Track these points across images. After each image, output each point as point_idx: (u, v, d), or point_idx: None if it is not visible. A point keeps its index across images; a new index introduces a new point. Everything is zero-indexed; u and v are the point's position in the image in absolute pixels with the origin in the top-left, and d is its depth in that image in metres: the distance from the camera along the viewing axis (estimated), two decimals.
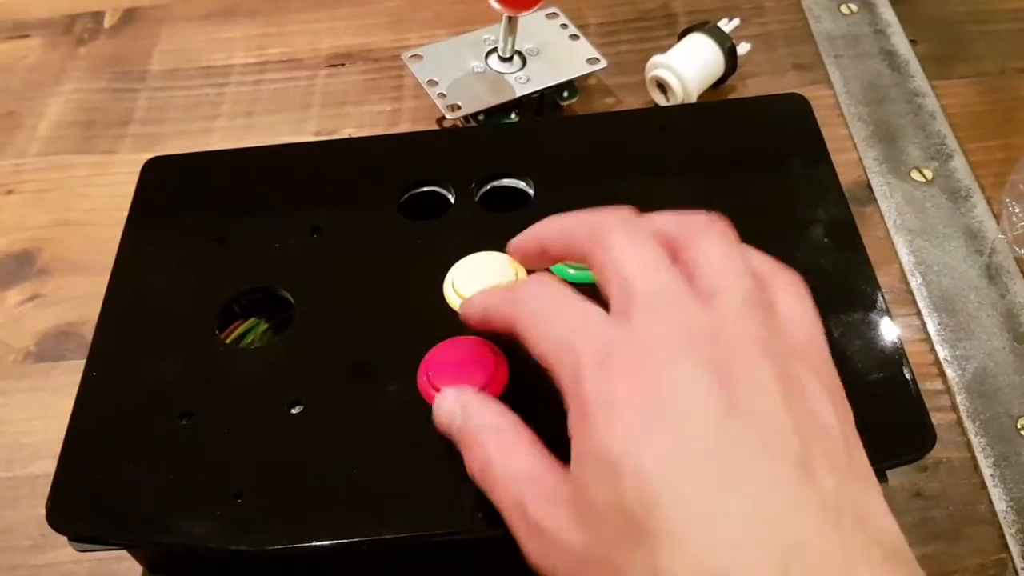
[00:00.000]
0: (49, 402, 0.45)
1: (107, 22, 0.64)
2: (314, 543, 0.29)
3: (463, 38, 0.55)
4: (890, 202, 0.50)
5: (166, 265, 0.38)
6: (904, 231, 0.48)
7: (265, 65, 0.60)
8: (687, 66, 0.53)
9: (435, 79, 0.52)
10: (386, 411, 0.32)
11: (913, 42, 0.58)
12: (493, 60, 0.53)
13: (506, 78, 0.52)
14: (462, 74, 0.52)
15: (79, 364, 0.35)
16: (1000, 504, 0.39)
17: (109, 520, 0.30)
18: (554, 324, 0.27)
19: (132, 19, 0.64)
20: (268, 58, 0.61)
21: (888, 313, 0.34)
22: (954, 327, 0.44)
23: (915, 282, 0.46)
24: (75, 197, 0.54)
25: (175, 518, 0.30)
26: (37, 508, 0.35)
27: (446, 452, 0.29)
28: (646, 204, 0.30)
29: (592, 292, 0.28)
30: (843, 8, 0.60)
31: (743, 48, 0.54)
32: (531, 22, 0.54)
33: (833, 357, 0.28)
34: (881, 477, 0.32)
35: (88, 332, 0.44)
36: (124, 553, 0.33)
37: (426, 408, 0.31)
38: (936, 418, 0.35)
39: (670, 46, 0.55)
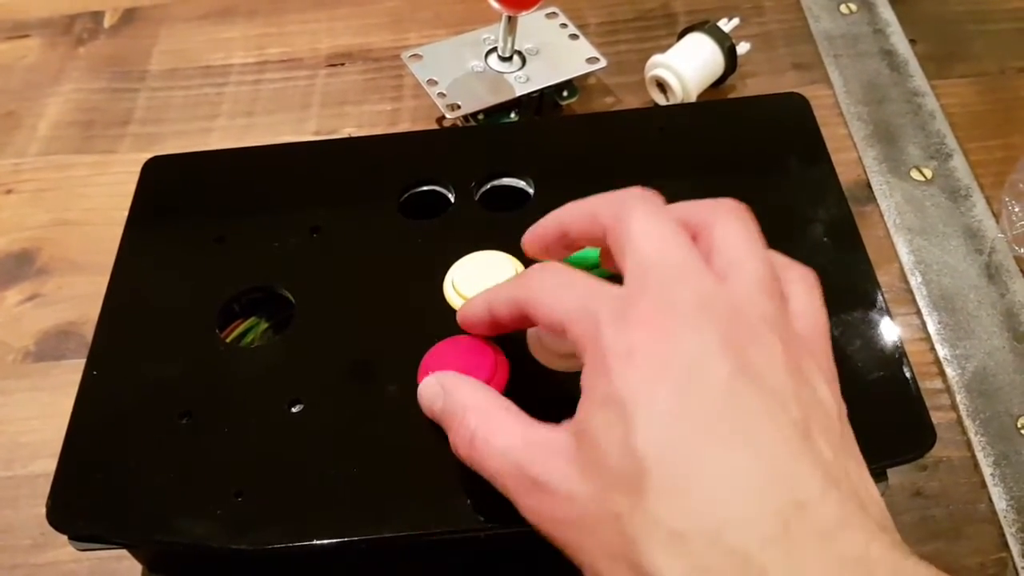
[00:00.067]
0: (49, 401, 0.45)
1: (106, 22, 0.64)
2: (314, 542, 0.29)
3: (463, 38, 0.55)
4: (890, 201, 0.50)
5: (166, 265, 0.38)
6: (904, 230, 0.48)
7: (264, 65, 0.60)
8: (687, 66, 0.53)
9: (435, 79, 0.52)
10: (386, 410, 0.32)
11: (912, 42, 0.58)
12: (493, 60, 0.53)
13: (506, 78, 0.52)
14: (462, 74, 0.52)
15: (79, 364, 0.34)
16: (1000, 503, 0.39)
17: (109, 519, 0.30)
18: (569, 292, 0.27)
19: (131, 19, 0.64)
20: (267, 58, 0.61)
21: (888, 312, 0.34)
22: (954, 326, 0.45)
23: (915, 281, 0.46)
24: (74, 197, 0.54)
25: (175, 517, 0.30)
26: (37, 507, 0.35)
27: (446, 451, 0.29)
28: None
29: None
30: (842, 8, 0.60)
31: (743, 48, 0.54)
32: (531, 22, 0.54)
33: (834, 356, 0.28)
34: (881, 476, 0.32)
35: (88, 332, 0.44)
36: (124, 552, 0.33)
37: None
38: (936, 417, 0.35)
39: (670, 46, 0.55)
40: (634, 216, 0.28)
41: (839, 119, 0.54)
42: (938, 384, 0.43)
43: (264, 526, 0.29)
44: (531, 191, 0.39)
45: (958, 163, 0.51)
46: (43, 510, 0.31)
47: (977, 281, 0.46)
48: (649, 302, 0.26)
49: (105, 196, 0.54)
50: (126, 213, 0.39)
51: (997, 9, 0.60)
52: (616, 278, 0.27)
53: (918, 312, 0.45)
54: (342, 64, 0.60)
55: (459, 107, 0.50)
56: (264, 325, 0.37)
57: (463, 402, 0.29)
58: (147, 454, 0.32)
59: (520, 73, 0.52)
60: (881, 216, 0.49)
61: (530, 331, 0.33)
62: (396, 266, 0.36)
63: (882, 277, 0.38)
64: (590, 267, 0.34)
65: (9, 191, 0.55)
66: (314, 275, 0.36)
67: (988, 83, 0.56)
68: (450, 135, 0.49)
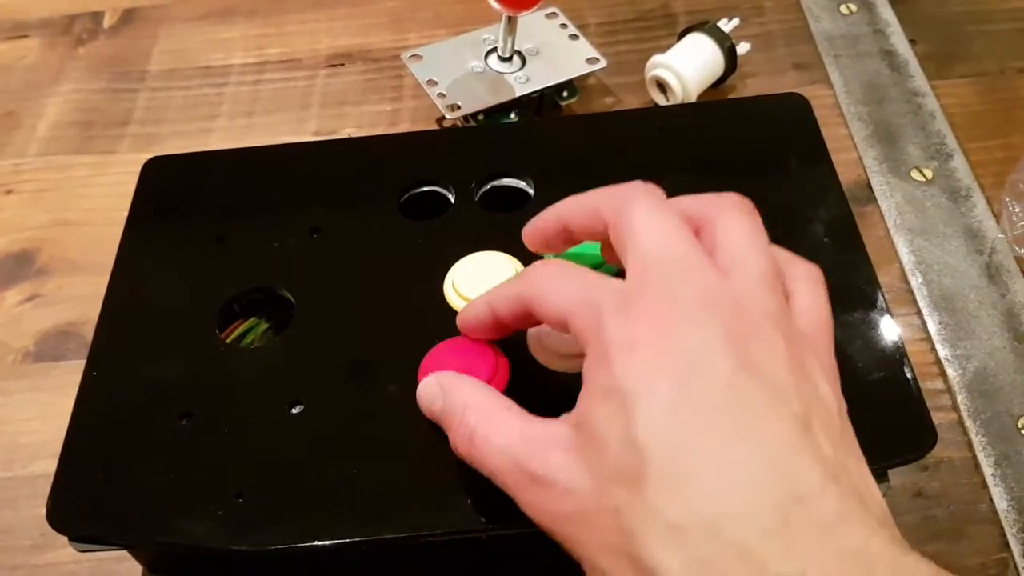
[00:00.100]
0: (49, 402, 0.45)
1: (106, 22, 0.64)
2: (315, 543, 0.29)
3: (463, 38, 0.55)
4: (890, 202, 0.50)
5: (166, 265, 0.38)
6: (904, 231, 0.48)
7: (264, 65, 0.60)
8: (687, 66, 0.53)
9: (435, 79, 0.52)
10: (386, 411, 0.32)
11: (912, 42, 0.58)
12: (493, 60, 0.53)
13: (506, 78, 0.52)
14: (462, 74, 0.52)
15: (79, 364, 0.34)
16: (1001, 503, 0.39)
17: (109, 520, 0.30)
18: (572, 286, 0.27)
19: (131, 19, 0.64)
20: (267, 58, 0.61)
21: (889, 313, 0.34)
22: (954, 326, 0.44)
23: (915, 281, 0.46)
24: (74, 197, 0.54)
25: (176, 518, 0.30)
26: (37, 508, 0.35)
27: (446, 451, 0.29)
28: None
29: None
30: (842, 8, 0.60)
31: (743, 48, 0.54)
32: (531, 22, 0.54)
33: (835, 356, 0.28)
34: (882, 477, 0.32)
35: (87, 332, 0.44)
36: (124, 553, 0.33)
37: None
38: (937, 417, 0.35)
39: (670, 46, 0.55)
40: (636, 210, 0.28)
41: (839, 119, 0.54)
42: (939, 384, 0.43)
43: (265, 527, 0.29)
44: (531, 191, 0.39)
45: (958, 163, 0.51)
46: (43, 511, 0.31)
47: (978, 281, 0.46)
48: (651, 296, 0.26)
49: (105, 196, 0.54)
50: (126, 213, 0.39)
51: (997, 9, 0.60)
52: (622, 275, 0.27)
53: (919, 312, 0.45)
54: (342, 64, 0.60)
55: (459, 107, 0.50)
56: (264, 326, 0.37)
57: (462, 401, 0.29)
58: (147, 455, 0.32)
59: (520, 73, 0.52)
60: (881, 216, 0.49)
61: (530, 332, 0.33)
62: (396, 267, 0.36)
63: (883, 277, 0.38)
64: (595, 265, 0.34)
65: (9, 191, 0.55)
66: (314, 276, 0.36)
67: (988, 83, 0.56)
68: (450, 135, 0.49)
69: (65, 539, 0.31)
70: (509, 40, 0.51)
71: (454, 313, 0.33)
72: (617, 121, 0.45)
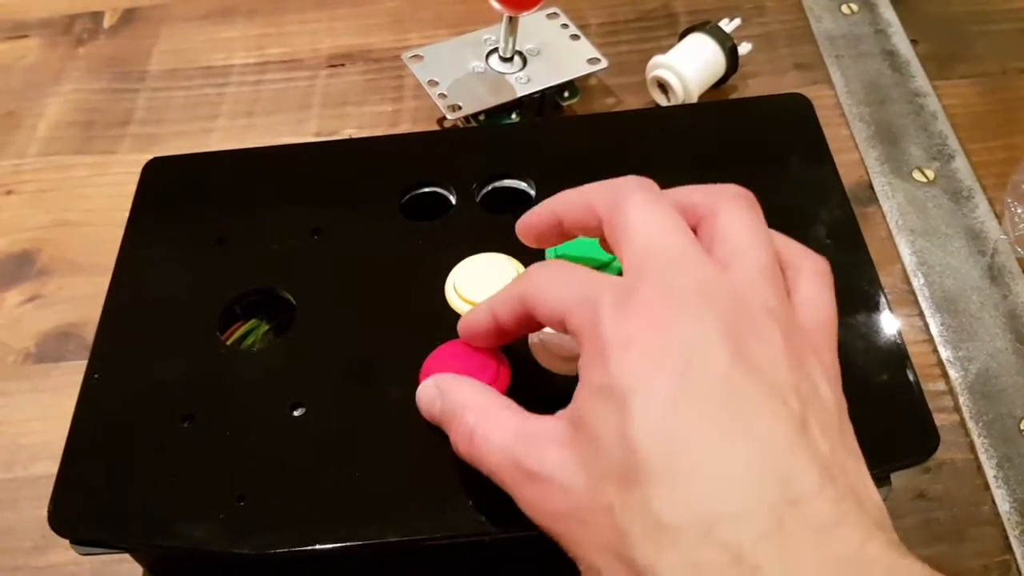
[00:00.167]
0: (49, 403, 0.45)
1: (106, 22, 0.64)
2: (316, 547, 0.29)
3: (464, 38, 0.55)
4: (892, 202, 0.50)
5: (167, 266, 0.38)
6: (906, 231, 0.48)
7: (265, 65, 0.60)
8: (688, 66, 0.53)
9: (436, 79, 0.52)
10: (388, 414, 0.32)
11: (914, 42, 0.58)
12: (494, 60, 0.53)
13: (507, 78, 0.52)
14: (463, 74, 0.52)
15: (79, 365, 0.34)
16: (1003, 505, 0.39)
17: (111, 523, 0.30)
18: (569, 283, 0.27)
19: (131, 19, 0.64)
20: (268, 58, 0.61)
21: (891, 314, 0.34)
22: (956, 328, 0.44)
23: (917, 283, 0.46)
24: (74, 197, 0.54)
25: (177, 521, 0.30)
26: (38, 509, 0.35)
27: (448, 454, 0.29)
28: None
29: None
30: (844, 8, 0.60)
31: (744, 48, 0.54)
32: (532, 22, 0.54)
33: (837, 356, 0.28)
34: (884, 480, 0.32)
35: (88, 333, 0.44)
36: (125, 555, 0.33)
37: None
38: (939, 419, 0.34)
39: (671, 46, 0.54)
40: (630, 204, 0.28)
41: (841, 120, 0.54)
42: (941, 386, 0.43)
43: (266, 530, 0.29)
44: (532, 192, 0.39)
45: (960, 164, 0.51)
46: (44, 512, 0.31)
47: (980, 283, 0.46)
48: (648, 291, 0.25)
49: (105, 197, 0.54)
50: (126, 214, 0.39)
51: (999, 9, 0.60)
52: None
53: (920, 314, 0.45)
54: (342, 65, 0.60)
55: (460, 108, 0.50)
56: (265, 327, 0.37)
57: (462, 401, 0.29)
58: (148, 458, 0.32)
59: (521, 74, 0.52)
60: (883, 217, 0.49)
61: (532, 335, 0.33)
62: (397, 268, 0.36)
63: (884, 278, 0.38)
64: (599, 265, 0.34)
65: (9, 192, 0.55)
66: (315, 277, 0.36)
67: (990, 84, 0.56)
68: (451, 136, 0.49)
69: (66, 541, 0.31)
70: (510, 40, 0.51)
71: (455, 315, 0.33)
72: (618, 122, 0.45)
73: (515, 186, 0.39)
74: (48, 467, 0.42)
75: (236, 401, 0.33)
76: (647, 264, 0.26)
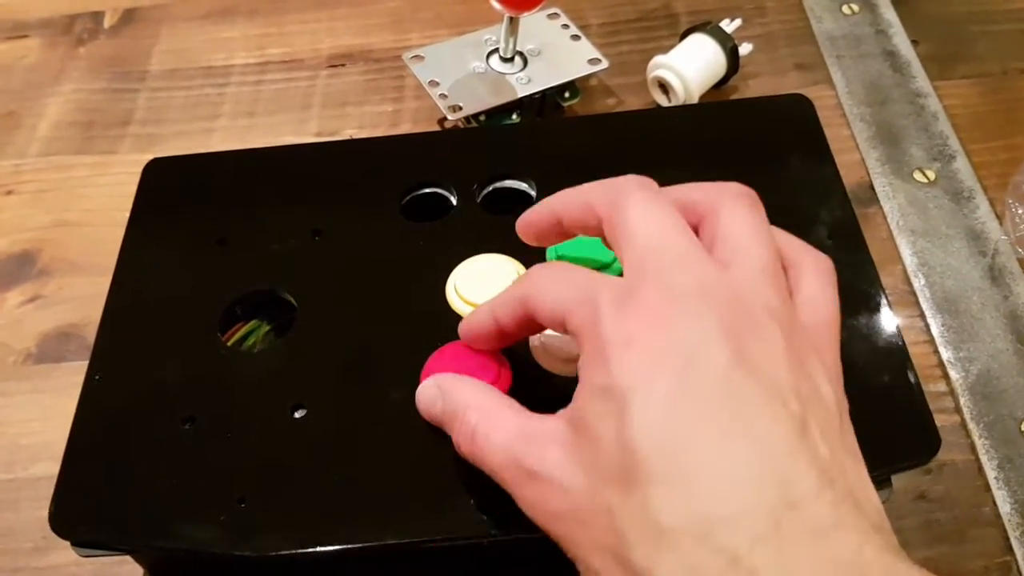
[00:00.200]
0: (50, 403, 0.45)
1: (107, 22, 0.64)
2: (317, 549, 0.29)
3: (464, 38, 0.55)
4: (893, 203, 0.50)
5: (168, 267, 0.38)
6: (907, 232, 0.48)
7: (266, 65, 0.60)
8: (689, 66, 0.53)
9: (436, 80, 0.52)
10: (389, 415, 0.32)
11: (915, 42, 0.58)
12: (494, 61, 0.53)
13: (507, 79, 0.52)
14: (463, 75, 0.52)
15: (80, 366, 0.34)
16: (1004, 506, 0.39)
17: (112, 525, 0.30)
18: (570, 284, 0.27)
19: (132, 19, 0.64)
20: (268, 58, 0.61)
21: (892, 315, 0.34)
22: (957, 329, 0.44)
23: (918, 283, 0.46)
24: (75, 198, 0.54)
25: (178, 523, 0.30)
26: (39, 510, 0.35)
27: (449, 456, 0.29)
28: None
29: None
30: (844, 8, 0.60)
31: (745, 48, 0.54)
32: (532, 23, 0.54)
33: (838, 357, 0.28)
34: (885, 482, 0.32)
35: (89, 333, 0.44)
36: (126, 557, 0.33)
37: None
38: (940, 420, 0.34)
39: (672, 46, 0.54)
40: (630, 203, 0.27)
41: (842, 120, 0.54)
42: (942, 387, 0.43)
43: (267, 533, 0.29)
44: (533, 193, 0.39)
45: (961, 165, 0.51)
46: (45, 513, 0.31)
47: (980, 283, 0.46)
48: (648, 291, 0.25)
49: (106, 197, 0.54)
50: (127, 214, 0.39)
51: (999, 10, 0.60)
52: None
53: (921, 315, 0.45)
54: (343, 65, 0.60)
55: (461, 108, 0.50)
56: (266, 328, 0.37)
57: (464, 400, 0.29)
58: (149, 459, 0.32)
59: (522, 74, 0.52)
60: (884, 218, 0.49)
61: (533, 337, 0.33)
62: (398, 269, 0.36)
63: (885, 279, 0.38)
64: (603, 266, 0.34)
65: (9, 192, 0.55)
66: (316, 278, 0.36)
67: (991, 84, 0.56)
68: (452, 137, 0.49)
69: (67, 542, 0.31)
70: (511, 41, 0.51)
71: (456, 316, 0.33)
72: (619, 122, 0.45)
73: (516, 187, 0.39)
74: (49, 468, 0.42)
75: (237, 402, 0.33)
76: (647, 264, 0.26)
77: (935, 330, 0.44)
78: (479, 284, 0.34)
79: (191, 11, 0.64)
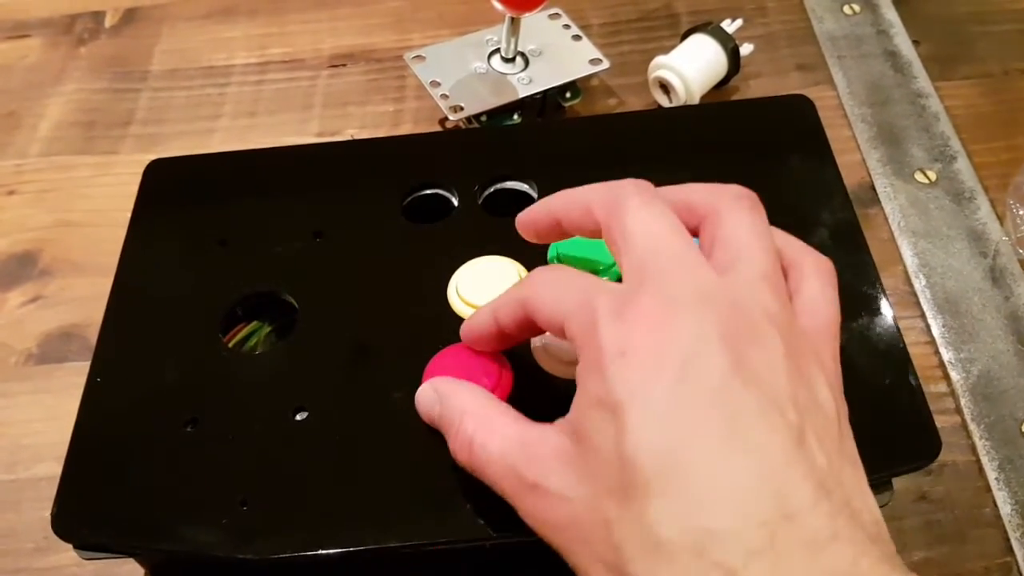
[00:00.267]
0: (52, 404, 0.45)
1: (108, 22, 0.64)
2: (319, 552, 0.29)
3: (466, 39, 0.55)
4: (894, 204, 0.50)
5: (169, 268, 0.38)
6: (908, 233, 0.48)
7: (267, 65, 0.60)
8: (690, 67, 0.53)
9: (438, 80, 0.52)
10: (390, 417, 0.32)
11: (916, 43, 0.58)
12: (496, 61, 0.53)
13: (509, 79, 0.52)
14: (465, 75, 0.52)
15: (81, 366, 0.34)
16: (1005, 507, 0.39)
17: (114, 528, 0.30)
18: (570, 289, 0.27)
19: (133, 19, 0.64)
20: (270, 58, 0.61)
21: (893, 316, 0.34)
22: (958, 329, 0.44)
23: (919, 284, 0.46)
24: (76, 198, 0.54)
25: (180, 526, 0.30)
26: (40, 511, 0.35)
27: (451, 459, 0.29)
28: None
29: None
30: (846, 9, 0.60)
31: (746, 49, 0.54)
32: (534, 23, 0.54)
33: (838, 359, 0.28)
34: (886, 484, 0.32)
35: (90, 334, 0.44)
36: (128, 558, 0.33)
37: None
38: (940, 421, 0.34)
39: (673, 47, 0.54)
40: (628, 208, 0.27)
41: (843, 120, 0.54)
42: (942, 388, 0.43)
43: (269, 535, 0.29)
44: (534, 194, 0.39)
45: (962, 165, 0.51)
46: (46, 513, 0.31)
47: (981, 284, 0.46)
48: (646, 298, 0.25)
49: (107, 197, 0.54)
50: (128, 214, 0.39)
51: (1001, 10, 0.60)
52: None
53: (922, 315, 0.45)
54: (344, 65, 0.60)
55: (462, 109, 0.50)
56: (267, 329, 0.37)
57: (460, 407, 0.29)
58: (151, 462, 0.32)
59: (523, 74, 0.52)
60: (885, 219, 0.49)
61: (535, 339, 0.33)
62: (399, 271, 0.36)
63: (886, 280, 0.38)
64: (605, 267, 0.34)
65: (11, 192, 0.55)
66: (317, 279, 0.36)
67: (992, 84, 0.56)
68: (453, 137, 0.49)
69: (69, 544, 0.31)
70: (512, 41, 0.51)
71: (458, 318, 0.33)
72: (620, 123, 0.45)
73: (517, 188, 0.39)
74: (50, 468, 0.42)
75: (238, 405, 0.33)
76: (645, 271, 0.26)
77: (936, 331, 0.44)
78: (480, 286, 0.34)
79: (192, 11, 0.64)
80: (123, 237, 0.38)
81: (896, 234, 0.48)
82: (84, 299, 0.49)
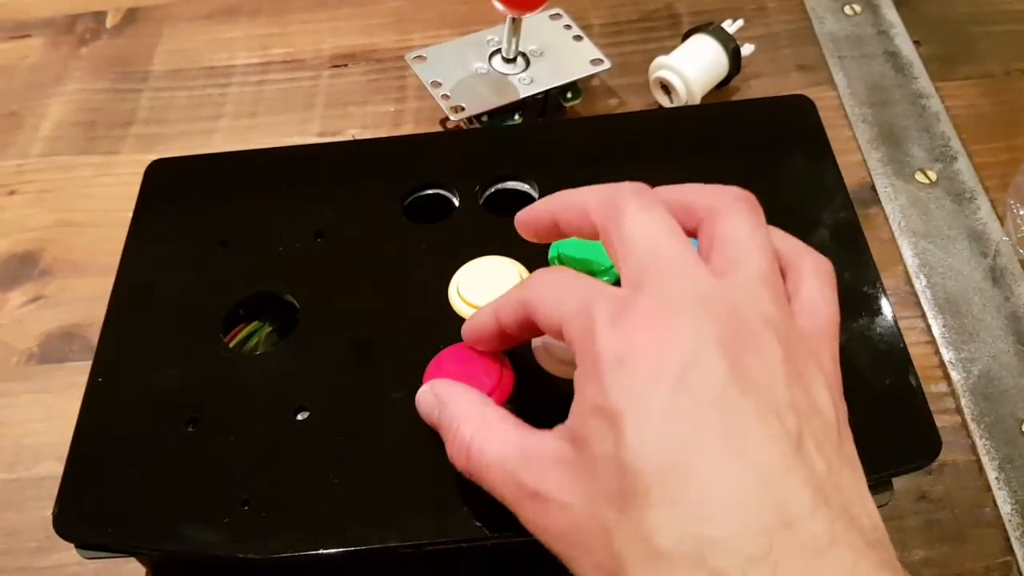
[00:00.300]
0: (53, 404, 0.45)
1: (109, 22, 0.64)
2: (321, 551, 0.29)
3: (467, 39, 0.55)
4: (894, 204, 0.50)
5: (170, 268, 0.38)
6: (908, 233, 0.48)
7: (268, 65, 0.60)
8: (691, 67, 0.53)
9: (439, 80, 0.52)
10: (392, 418, 0.32)
11: (917, 43, 0.58)
12: (497, 61, 0.53)
13: (510, 79, 0.52)
14: (466, 75, 0.52)
15: (82, 366, 0.34)
16: (1005, 507, 0.39)
17: (115, 528, 0.30)
18: (569, 293, 0.27)
19: (134, 19, 0.64)
20: (271, 58, 0.61)
21: (893, 316, 0.34)
22: (959, 329, 0.44)
23: (919, 284, 0.46)
24: (77, 198, 0.54)
25: (182, 526, 0.30)
26: (42, 510, 0.35)
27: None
28: None
29: None
30: (846, 9, 0.60)
31: (747, 49, 0.54)
32: (535, 23, 0.54)
33: (838, 360, 0.28)
34: (886, 484, 0.32)
35: (91, 334, 0.44)
36: (129, 557, 0.33)
37: None
38: (941, 421, 0.34)
39: (674, 47, 0.54)
40: (626, 212, 0.27)
41: (843, 121, 0.54)
42: (943, 388, 0.43)
43: (271, 535, 0.29)
44: (535, 195, 0.39)
45: (963, 165, 0.51)
46: (48, 513, 0.31)
47: (982, 284, 0.46)
48: (644, 302, 0.25)
49: (108, 197, 0.54)
50: (129, 214, 0.39)
51: (1001, 11, 0.60)
52: None
53: (923, 315, 0.45)
54: (345, 65, 0.60)
55: (463, 109, 0.50)
56: (268, 329, 0.37)
57: (457, 413, 0.29)
58: (153, 462, 0.32)
59: (524, 75, 0.52)
60: (886, 219, 0.49)
61: (535, 339, 0.33)
62: (400, 271, 0.36)
63: (887, 280, 0.38)
64: (607, 268, 0.34)
65: (12, 192, 0.55)
66: (318, 279, 0.36)
67: (993, 85, 0.56)
68: (454, 137, 0.49)
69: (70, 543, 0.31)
70: (513, 41, 0.51)
71: (459, 318, 0.33)
72: (621, 123, 0.45)
73: (518, 188, 0.39)
74: (51, 468, 0.42)
75: (240, 405, 0.33)
76: (643, 275, 0.26)
77: (936, 331, 0.44)
78: (481, 286, 0.34)
79: (193, 11, 0.64)
80: (124, 237, 0.39)
81: (896, 234, 0.48)
82: (85, 299, 0.49)
